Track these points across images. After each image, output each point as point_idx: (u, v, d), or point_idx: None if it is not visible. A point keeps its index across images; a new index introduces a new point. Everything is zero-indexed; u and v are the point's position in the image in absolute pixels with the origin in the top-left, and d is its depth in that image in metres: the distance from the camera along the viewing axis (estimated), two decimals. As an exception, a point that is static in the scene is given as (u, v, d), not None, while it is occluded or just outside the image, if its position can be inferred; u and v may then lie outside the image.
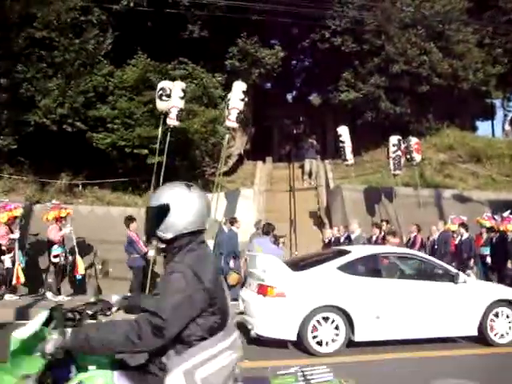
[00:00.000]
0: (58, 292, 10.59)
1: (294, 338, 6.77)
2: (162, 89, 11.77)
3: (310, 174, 18.59)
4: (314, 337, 6.73)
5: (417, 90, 17.37)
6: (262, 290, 6.98)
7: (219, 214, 12.50)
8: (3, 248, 10.35)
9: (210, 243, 11.07)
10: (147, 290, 10.56)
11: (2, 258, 10.35)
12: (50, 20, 12.81)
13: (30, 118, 12.99)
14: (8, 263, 10.31)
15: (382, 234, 12.01)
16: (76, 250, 10.78)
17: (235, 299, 10.54)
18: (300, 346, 6.89)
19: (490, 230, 11.88)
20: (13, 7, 12.52)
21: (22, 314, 8.99)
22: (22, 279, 10.36)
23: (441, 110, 18.50)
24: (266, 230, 9.40)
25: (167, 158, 11.74)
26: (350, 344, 6.91)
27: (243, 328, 7.27)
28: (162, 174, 11.57)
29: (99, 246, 11.81)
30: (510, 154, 17.44)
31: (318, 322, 6.77)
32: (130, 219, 10.53)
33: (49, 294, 10.41)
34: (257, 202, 15.62)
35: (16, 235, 10.46)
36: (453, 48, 17.38)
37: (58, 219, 10.76)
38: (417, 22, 17.16)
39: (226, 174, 16.90)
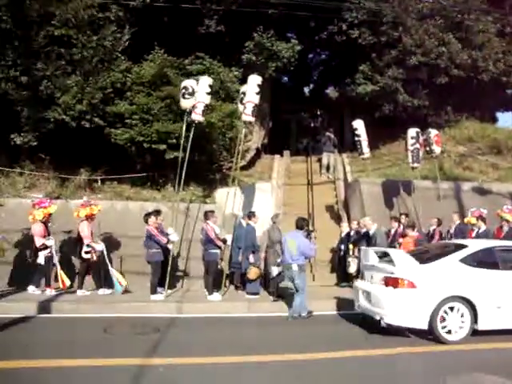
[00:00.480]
0: (80, 287, 10.80)
1: (425, 326, 7.31)
2: (184, 87, 11.79)
3: (327, 168, 18.55)
4: (444, 326, 7.30)
5: (435, 82, 17.16)
6: (392, 282, 7.52)
7: (237, 208, 12.57)
8: (40, 244, 10.57)
9: (229, 237, 11.18)
10: (166, 285, 10.69)
11: (39, 253, 10.56)
12: (68, 18, 12.94)
13: (50, 114, 13.17)
14: (41, 260, 10.51)
15: (401, 227, 11.96)
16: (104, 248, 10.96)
17: (256, 293, 10.70)
18: (425, 334, 7.42)
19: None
20: (32, 6, 12.67)
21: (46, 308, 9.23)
22: (67, 282, 10.57)
23: (460, 102, 18.24)
24: (301, 224, 9.46)
25: (185, 153, 11.80)
26: (474, 333, 7.38)
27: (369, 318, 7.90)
28: (184, 169, 11.64)
29: (119, 240, 11.98)
30: (531, 146, 17.18)
31: (445, 311, 7.33)
32: (147, 215, 10.66)
33: (79, 291, 10.65)
34: (274, 195, 15.64)
35: (51, 242, 10.65)
36: (472, 38, 17.10)
37: (90, 216, 10.93)
38: (435, 13, 16.94)
39: (244, 168, 16.95)
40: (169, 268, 10.69)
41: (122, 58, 14.29)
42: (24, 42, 12.95)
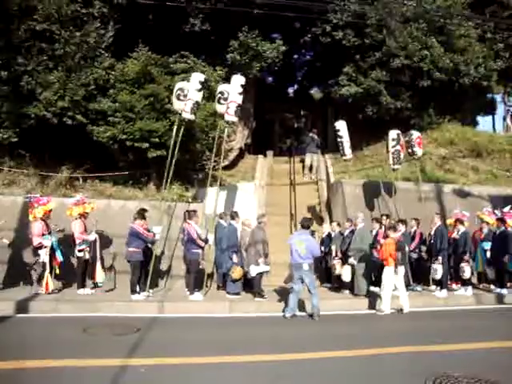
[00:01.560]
0: (83, 286, 10.68)
1: None
2: (180, 89, 11.65)
3: (310, 168, 18.60)
4: None
5: (418, 85, 17.32)
6: None
7: (220, 209, 12.53)
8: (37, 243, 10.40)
9: (211, 237, 11.14)
10: (148, 284, 10.61)
11: (39, 251, 10.39)
12: (50, 12, 12.75)
13: (31, 110, 12.97)
14: (44, 258, 10.35)
15: (383, 228, 12.05)
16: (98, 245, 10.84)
17: (237, 293, 10.68)
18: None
19: (501, 221, 11.95)
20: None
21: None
22: (51, 287, 10.40)
23: (442, 105, 18.44)
24: (307, 224, 9.63)
25: (169, 152, 11.72)
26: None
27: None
28: (170, 168, 11.55)
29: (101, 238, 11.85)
30: (510, 150, 17.45)
31: None
32: (140, 214, 10.56)
33: (81, 291, 10.53)
34: (257, 196, 15.63)
35: (48, 241, 10.47)
36: (454, 43, 17.30)
37: (83, 215, 10.80)
38: (418, 17, 17.06)
39: (227, 167, 16.92)
40: (151, 267, 10.61)
41: (106, 54, 14.14)
42: (4, 36, 12.72)
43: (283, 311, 9.40)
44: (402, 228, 11.75)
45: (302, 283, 9.26)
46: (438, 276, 11.30)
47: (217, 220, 11.71)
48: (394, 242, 9.87)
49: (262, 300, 10.45)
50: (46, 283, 10.31)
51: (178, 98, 11.67)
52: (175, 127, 11.86)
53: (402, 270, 9.97)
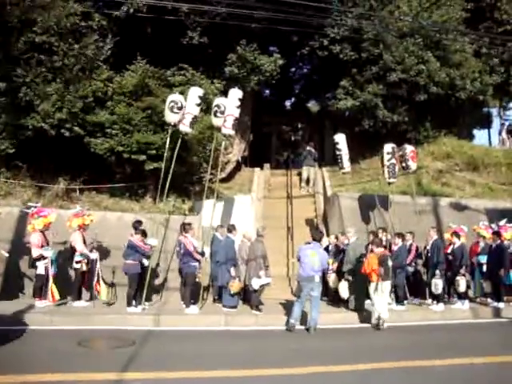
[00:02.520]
0: (79, 298, 10.61)
1: None
2: (173, 101, 11.59)
3: (307, 182, 18.63)
4: None
5: (414, 99, 17.44)
6: None
7: (216, 221, 12.52)
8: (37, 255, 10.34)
9: (207, 250, 11.12)
10: (144, 297, 10.55)
11: (37, 263, 10.32)
12: (50, 25, 12.81)
13: (28, 122, 12.97)
14: (41, 270, 10.29)
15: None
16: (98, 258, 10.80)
17: (233, 306, 10.64)
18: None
19: (497, 234, 11.97)
20: (13, 12, 12.53)
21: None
22: (57, 296, 10.34)
23: (438, 119, 18.55)
24: (319, 237, 9.85)
25: (166, 164, 11.72)
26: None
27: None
28: (167, 180, 11.54)
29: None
30: (506, 163, 17.53)
31: None
32: (139, 229, 10.55)
33: (76, 303, 10.46)
34: (254, 208, 15.62)
35: (49, 252, 10.42)
36: (450, 57, 17.45)
37: (82, 226, 10.76)
38: (414, 32, 17.23)
39: (224, 180, 16.93)
40: (146, 280, 10.57)
41: (104, 67, 14.21)
42: (3, 48, 12.78)
43: (286, 323, 9.34)
44: (399, 242, 11.76)
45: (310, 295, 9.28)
46: (439, 291, 11.25)
47: (213, 233, 11.69)
48: (377, 256, 9.72)
49: (259, 313, 10.40)
50: (52, 294, 10.24)
51: (172, 110, 11.64)
52: (168, 139, 11.85)
53: (386, 284, 9.74)
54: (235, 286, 10.66)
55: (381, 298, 9.61)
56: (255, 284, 10.49)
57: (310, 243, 9.92)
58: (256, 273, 10.59)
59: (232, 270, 10.90)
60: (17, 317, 9.11)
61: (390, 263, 9.81)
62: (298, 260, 9.61)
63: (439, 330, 9.80)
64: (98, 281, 10.65)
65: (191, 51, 16.27)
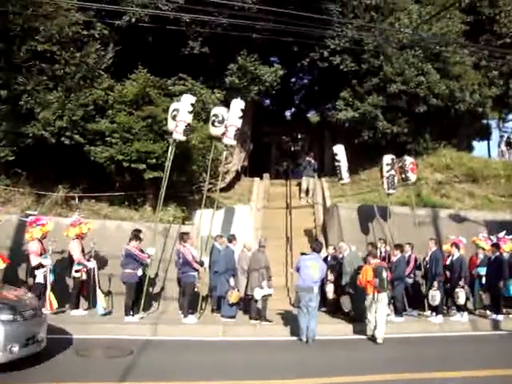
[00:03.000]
0: (76, 307, 10.56)
1: None
2: (175, 109, 11.68)
3: (306, 192, 18.62)
4: None
5: (414, 110, 17.49)
6: None
7: (215, 231, 12.50)
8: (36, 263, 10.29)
9: (206, 260, 11.10)
10: (141, 306, 10.51)
11: (36, 272, 10.27)
12: (52, 34, 12.87)
13: (29, 129, 12.99)
14: (40, 278, 10.24)
15: (379, 253, 12.05)
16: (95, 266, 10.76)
17: (232, 316, 10.61)
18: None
19: (496, 246, 11.95)
20: (15, 20, 12.60)
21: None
22: (55, 305, 10.30)
23: (438, 130, 18.61)
24: (319, 248, 9.94)
25: (166, 174, 11.73)
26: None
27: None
28: (163, 189, 11.54)
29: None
30: (505, 175, 17.56)
31: None
32: (135, 236, 10.52)
33: (74, 312, 10.41)
34: (253, 218, 15.61)
35: (48, 261, 10.39)
36: (450, 69, 17.54)
37: (80, 235, 10.73)
38: (414, 44, 17.33)
39: (223, 190, 16.91)
40: (144, 289, 10.53)
41: (105, 75, 14.25)
42: (5, 56, 12.83)
43: (298, 335, 9.33)
44: (397, 253, 11.74)
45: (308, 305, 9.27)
46: (437, 302, 11.22)
47: (212, 243, 11.67)
48: (372, 268, 9.67)
49: (258, 323, 10.36)
50: (50, 302, 10.19)
51: (174, 119, 11.72)
52: (170, 148, 11.88)
53: (383, 296, 9.62)
54: (234, 297, 10.63)
55: (378, 310, 9.51)
56: (257, 294, 10.47)
57: (307, 254, 9.94)
58: (258, 283, 10.54)
59: (231, 280, 10.87)
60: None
61: (384, 275, 9.65)
62: (297, 271, 9.58)
63: (439, 343, 9.75)
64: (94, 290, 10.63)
65: (192, 61, 16.33)
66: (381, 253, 12.14)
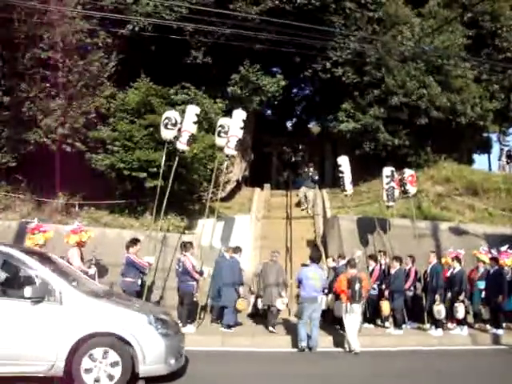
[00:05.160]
0: None
1: None
2: (167, 118, 11.68)
3: (305, 200, 18.53)
4: None
5: (415, 123, 17.54)
6: None
7: (216, 240, 12.47)
8: None
9: (205, 270, 11.07)
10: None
11: None
12: (56, 41, 12.97)
13: (31, 136, 13.03)
14: None
15: (379, 265, 12.01)
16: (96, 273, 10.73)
17: (231, 326, 10.57)
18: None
19: (494, 260, 11.89)
20: (20, 28, 12.68)
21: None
22: None
23: (439, 143, 18.64)
24: (317, 257, 10.08)
25: (166, 182, 11.73)
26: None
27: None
28: (165, 197, 11.54)
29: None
30: (506, 188, 17.51)
31: None
32: (132, 242, 10.49)
33: None
34: (253, 228, 15.58)
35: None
36: (451, 82, 17.62)
37: (79, 243, 10.69)
38: (416, 56, 17.43)
39: (224, 199, 16.91)
40: (143, 298, 10.48)
41: (108, 83, 14.32)
42: (9, 63, 12.90)
43: (299, 346, 9.27)
44: (396, 265, 11.68)
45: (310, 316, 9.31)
46: (442, 316, 11.12)
47: (221, 253, 11.61)
48: (346, 278, 9.64)
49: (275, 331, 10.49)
50: None
51: (166, 127, 11.72)
52: (163, 156, 11.90)
53: (355, 307, 9.51)
54: (242, 304, 10.78)
55: (350, 321, 9.42)
56: (280, 304, 10.62)
57: (307, 265, 9.93)
58: (278, 293, 10.69)
59: (240, 289, 10.99)
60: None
61: (358, 286, 9.51)
62: (300, 282, 9.57)
63: (440, 356, 9.66)
64: None
65: (194, 70, 16.41)
66: (381, 265, 12.10)
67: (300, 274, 9.68)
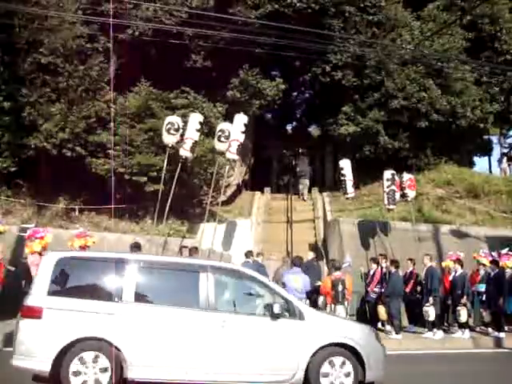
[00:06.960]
0: None
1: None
2: (170, 123, 11.74)
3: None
4: None
5: (416, 126, 17.55)
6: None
7: (216, 245, 12.46)
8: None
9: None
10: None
11: None
12: (56, 46, 12.98)
13: (31, 141, 13.03)
14: None
15: (380, 268, 11.99)
16: None
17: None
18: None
19: (495, 263, 11.85)
20: (21, 33, 12.71)
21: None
22: None
23: (439, 146, 18.65)
24: (299, 262, 10.17)
25: (166, 187, 11.73)
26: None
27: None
28: (168, 201, 11.54)
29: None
30: (506, 191, 17.52)
31: None
32: (137, 246, 10.47)
33: None
34: (254, 232, 15.56)
35: None
36: (451, 85, 17.63)
37: (84, 248, 10.66)
38: (416, 59, 17.44)
39: (224, 203, 16.89)
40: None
41: (108, 88, 14.31)
42: (10, 68, 12.92)
43: None
44: (392, 269, 11.62)
45: None
46: (431, 318, 11.12)
47: (244, 260, 11.55)
48: (330, 280, 10.15)
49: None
50: None
51: (169, 132, 11.76)
52: (165, 161, 11.91)
53: (338, 308, 9.99)
54: None
55: None
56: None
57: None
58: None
59: None
60: (6, 338, 8.97)
61: (340, 288, 10.05)
62: (283, 285, 9.67)
63: (441, 360, 9.63)
64: None
65: (194, 74, 16.40)
66: (382, 268, 12.07)
67: (283, 278, 9.94)
